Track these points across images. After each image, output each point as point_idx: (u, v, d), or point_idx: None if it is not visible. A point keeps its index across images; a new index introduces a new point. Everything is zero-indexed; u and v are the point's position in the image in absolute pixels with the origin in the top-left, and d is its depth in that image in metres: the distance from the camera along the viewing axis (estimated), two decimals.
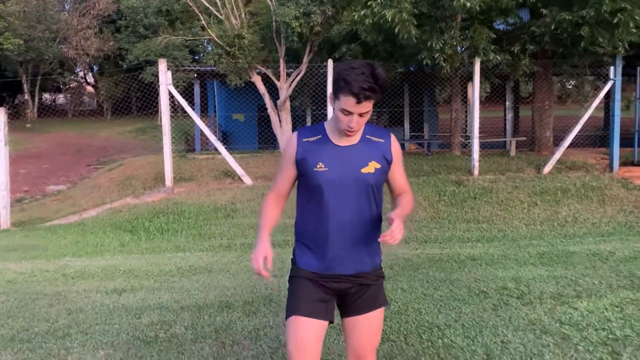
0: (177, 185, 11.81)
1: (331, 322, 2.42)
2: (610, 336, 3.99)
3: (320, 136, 2.43)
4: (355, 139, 2.42)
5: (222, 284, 5.98)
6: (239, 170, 11.96)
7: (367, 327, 2.38)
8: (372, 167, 2.39)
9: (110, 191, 12.38)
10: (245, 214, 10.44)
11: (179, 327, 4.51)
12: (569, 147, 11.95)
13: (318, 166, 2.36)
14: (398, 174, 2.52)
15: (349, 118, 2.30)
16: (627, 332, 4.05)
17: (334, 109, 2.37)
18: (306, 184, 2.42)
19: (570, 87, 27.66)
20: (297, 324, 2.26)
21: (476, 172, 11.56)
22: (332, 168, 2.37)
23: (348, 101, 2.26)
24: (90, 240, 9.35)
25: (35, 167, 18.64)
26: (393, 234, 2.18)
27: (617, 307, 4.68)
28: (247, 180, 11.91)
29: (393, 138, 2.48)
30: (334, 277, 2.36)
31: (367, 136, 2.44)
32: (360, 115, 2.29)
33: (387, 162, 2.45)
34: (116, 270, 6.86)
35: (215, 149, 12.58)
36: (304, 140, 2.41)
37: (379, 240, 2.27)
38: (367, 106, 2.29)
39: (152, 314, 4.92)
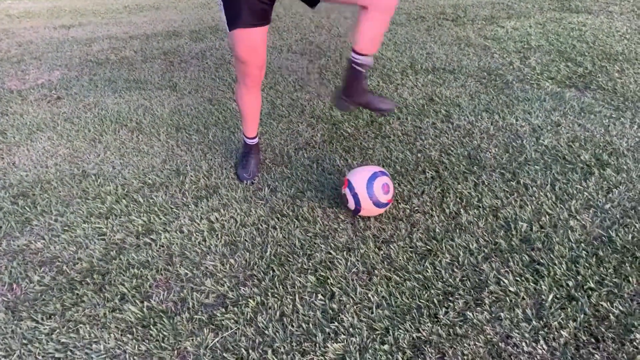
0: None
1: (268, 22, 2.29)
2: (525, 46, 4.41)
3: None
4: None
5: (169, 18, 6.06)
6: None
7: None
8: None
9: None
10: None
11: (129, 51, 4.74)
12: None
13: None
14: None
15: None
16: (541, 43, 4.47)
17: None
18: None
19: None
20: (242, 34, 2.21)
21: None
22: None
23: None
24: None
25: None
26: None
27: (540, 24, 5.04)
28: None
29: None
30: None
31: None
32: None
33: None
34: (62, 10, 6.78)
35: None
36: None
37: None
38: None
39: (102, 42, 5.09)
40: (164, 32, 5.34)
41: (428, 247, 2.02)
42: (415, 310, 1.72)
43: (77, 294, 1.87)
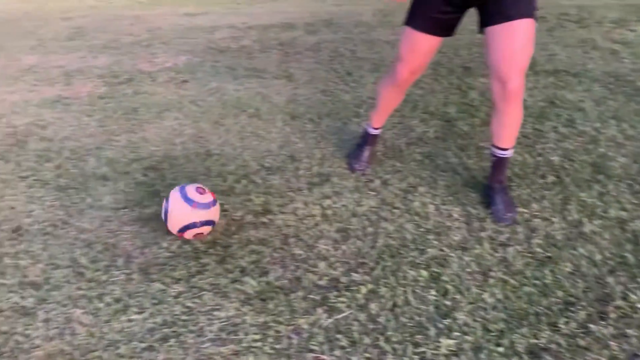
0: None
1: (450, 35, 2.15)
2: None
3: None
4: None
5: (285, 10, 6.25)
6: None
7: (509, 39, 1.88)
8: None
9: None
10: None
11: (247, 41, 4.95)
12: None
13: None
14: None
15: None
16: None
17: None
18: None
19: None
20: (412, 35, 2.11)
21: None
22: None
23: None
24: None
25: None
26: None
27: None
28: None
29: None
30: None
31: None
32: None
33: None
34: None
35: None
36: None
37: None
38: None
39: (223, 31, 5.36)
40: (280, 24, 5.52)
41: (548, 254, 1.95)
42: (532, 316, 1.67)
43: (202, 263, 2.00)
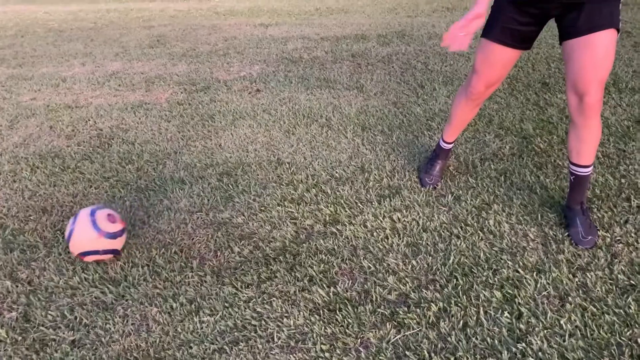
0: None
1: (527, 48, 2.10)
2: None
3: None
4: None
5: (357, 22, 6.29)
6: None
7: (589, 52, 1.83)
8: None
9: None
10: None
11: (319, 52, 5.01)
12: None
13: None
14: None
15: None
16: None
17: None
18: None
19: None
20: (487, 46, 2.10)
21: None
22: None
23: None
24: None
25: None
26: None
27: None
28: None
29: None
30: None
31: None
32: None
33: None
34: (261, 10, 7.39)
35: None
36: None
37: None
38: None
39: (296, 42, 5.45)
40: (352, 35, 5.56)
41: (632, 282, 1.84)
42: (614, 346, 1.59)
43: (271, 269, 2.03)
